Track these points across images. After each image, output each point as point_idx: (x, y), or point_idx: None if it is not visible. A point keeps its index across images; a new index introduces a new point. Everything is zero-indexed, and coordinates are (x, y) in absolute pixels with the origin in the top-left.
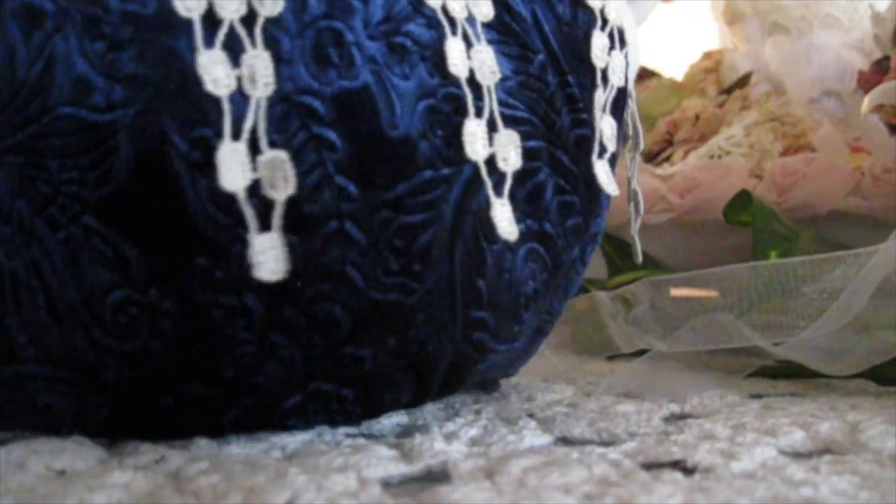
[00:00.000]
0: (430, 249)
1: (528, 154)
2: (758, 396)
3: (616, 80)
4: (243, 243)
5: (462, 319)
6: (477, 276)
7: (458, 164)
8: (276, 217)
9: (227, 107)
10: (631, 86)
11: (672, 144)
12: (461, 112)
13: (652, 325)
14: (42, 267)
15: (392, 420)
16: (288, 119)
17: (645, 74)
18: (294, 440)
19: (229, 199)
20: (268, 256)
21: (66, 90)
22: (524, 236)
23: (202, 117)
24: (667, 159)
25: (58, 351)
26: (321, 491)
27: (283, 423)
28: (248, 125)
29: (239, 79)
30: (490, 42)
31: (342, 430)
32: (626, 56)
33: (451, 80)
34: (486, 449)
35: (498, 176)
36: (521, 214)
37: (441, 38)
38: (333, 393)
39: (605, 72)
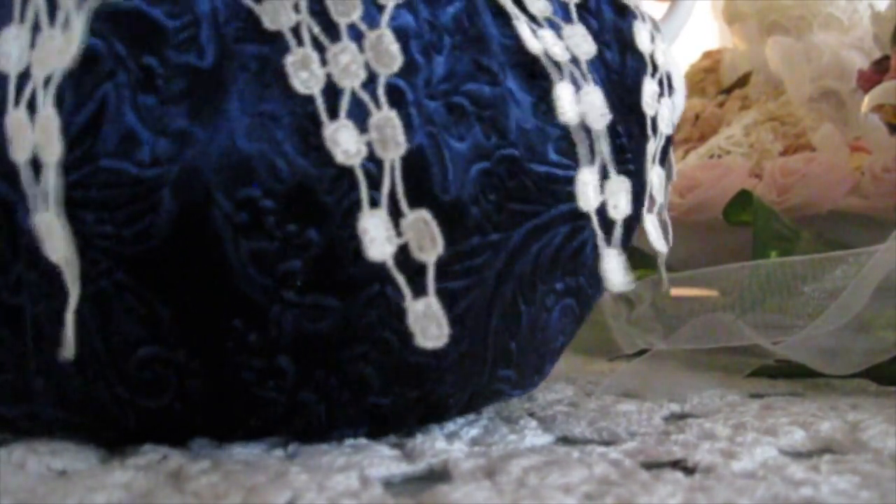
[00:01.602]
0: (468, 315)
1: (578, 213)
2: (758, 396)
3: (665, 128)
4: (282, 305)
5: (488, 376)
6: (510, 339)
7: (507, 229)
8: (430, 280)
9: (360, 175)
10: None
11: (672, 144)
12: (514, 175)
13: (653, 325)
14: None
15: None
16: (340, 181)
17: None
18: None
19: (272, 262)
20: (428, 322)
21: (112, 142)
22: (562, 295)
23: (249, 178)
24: None
25: (77, 399)
26: (322, 491)
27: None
28: (385, 189)
29: (369, 144)
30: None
31: None
32: (673, 102)
33: (507, 141)
34: (486, 448)
35: (606, 225)
36: (561, 273)
37: (502, 98)
38: (349, 433)
39: (654, 120)
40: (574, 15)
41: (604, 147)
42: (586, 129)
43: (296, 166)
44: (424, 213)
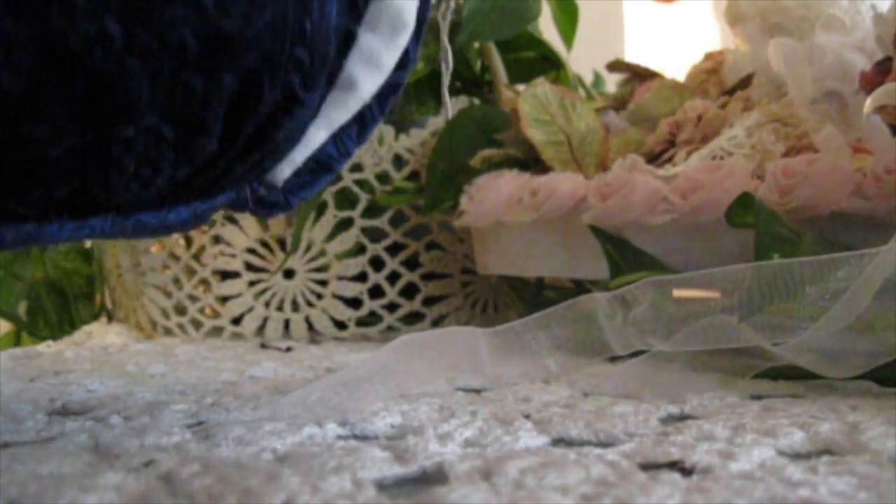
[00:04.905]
0: None
1: None
2: (758, 397)
3: None
4: None
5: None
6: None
7: None
8: None
9: None
10: None
11: (674, 145)
12: None
13: (653, 326)
14: None
15: (385, 421)
16: None
17: (647, 75)
18: (284, 442)
19: None
20: None
21: None
22: None
23: None
24: (669, 160)
25: None
26: (317, 492)
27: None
28: None
29: None
30: None
31: (332, 431)
32: None
33: None
34: (481, 450)
35: None
36: None
37: None
38: (155, 129)
39: None
40: None
41: None
42: None
43: None
44: None
